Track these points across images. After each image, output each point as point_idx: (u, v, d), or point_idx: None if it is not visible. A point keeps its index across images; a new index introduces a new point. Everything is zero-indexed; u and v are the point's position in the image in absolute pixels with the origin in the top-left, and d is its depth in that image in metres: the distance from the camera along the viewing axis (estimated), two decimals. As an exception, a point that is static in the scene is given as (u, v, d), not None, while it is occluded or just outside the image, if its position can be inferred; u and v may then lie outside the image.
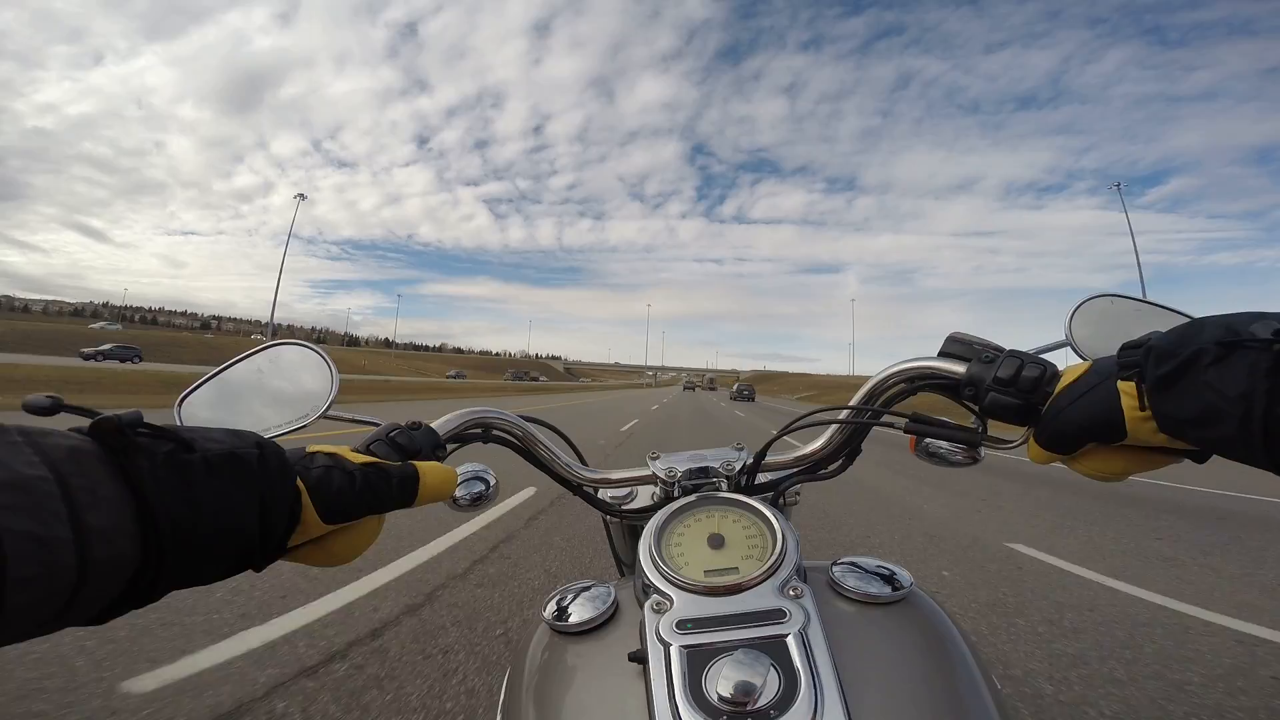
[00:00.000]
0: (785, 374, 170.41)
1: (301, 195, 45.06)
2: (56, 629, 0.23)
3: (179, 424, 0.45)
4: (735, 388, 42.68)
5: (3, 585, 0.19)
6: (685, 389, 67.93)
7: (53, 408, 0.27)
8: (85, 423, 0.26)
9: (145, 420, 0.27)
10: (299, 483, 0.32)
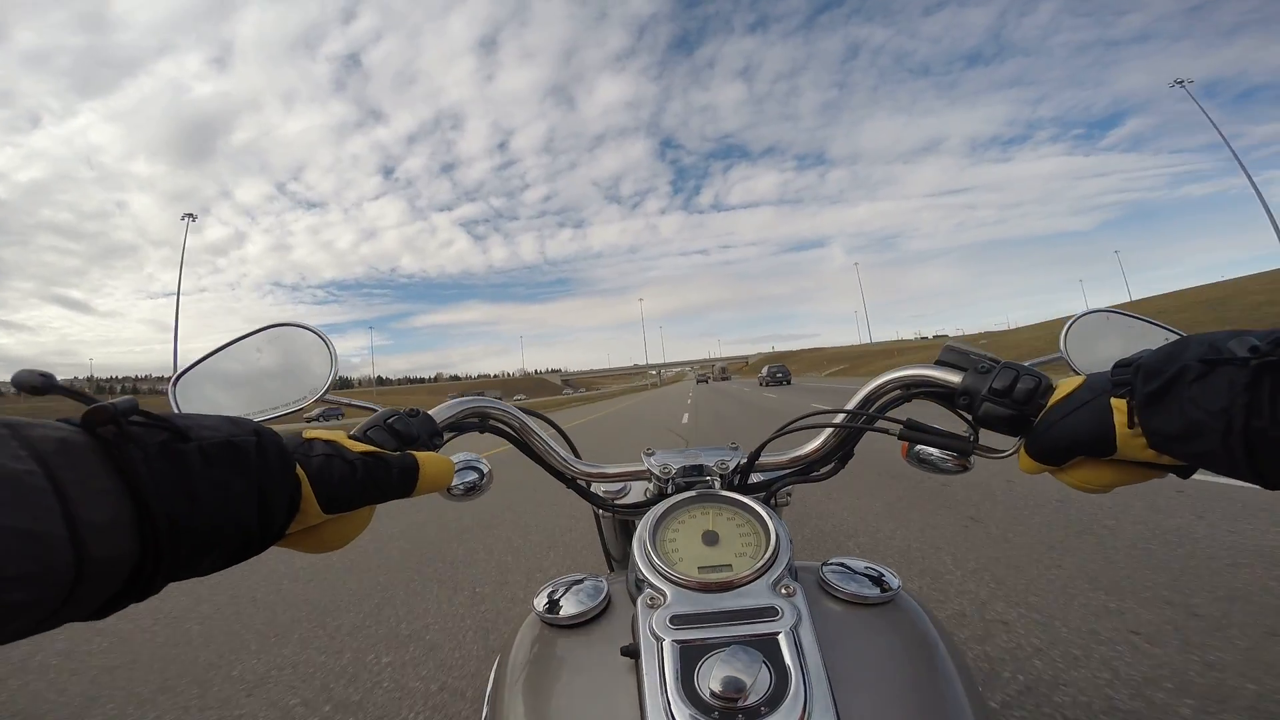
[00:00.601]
0: (797, 352, 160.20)
1: (191, 215, 43.82)
2: (54, 626, 0.23)
3: (174, 406, 0.44)
4: (765, 370, 34.81)
5: None
6: (699, 381, 65.93)
7: (44, 386, 0.26)
8: (76, 408, 0.25)
9: (140, 408, 0.26)
10: (299, 472, 0.32)
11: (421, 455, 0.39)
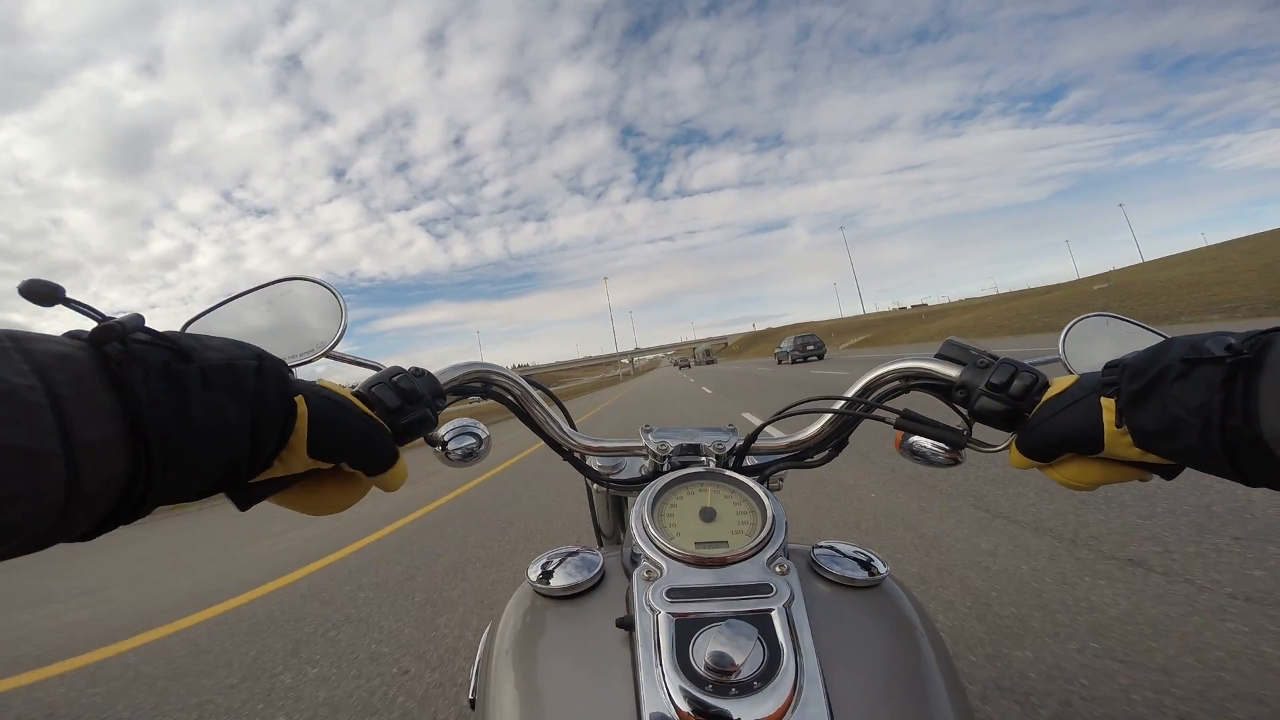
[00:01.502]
0: (780, 329, 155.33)
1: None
2: (45, 546, 0.23)
3: None
4: (792, 343, 26.83)
5: None
6: (679, 367, 65.41)
7: (52, 295, 0.26)
8: (83, 321, 0.25)
9: (145, 325, 0.26)
10: (302, 407, 0.33)
11: (402, 458, 0.41)
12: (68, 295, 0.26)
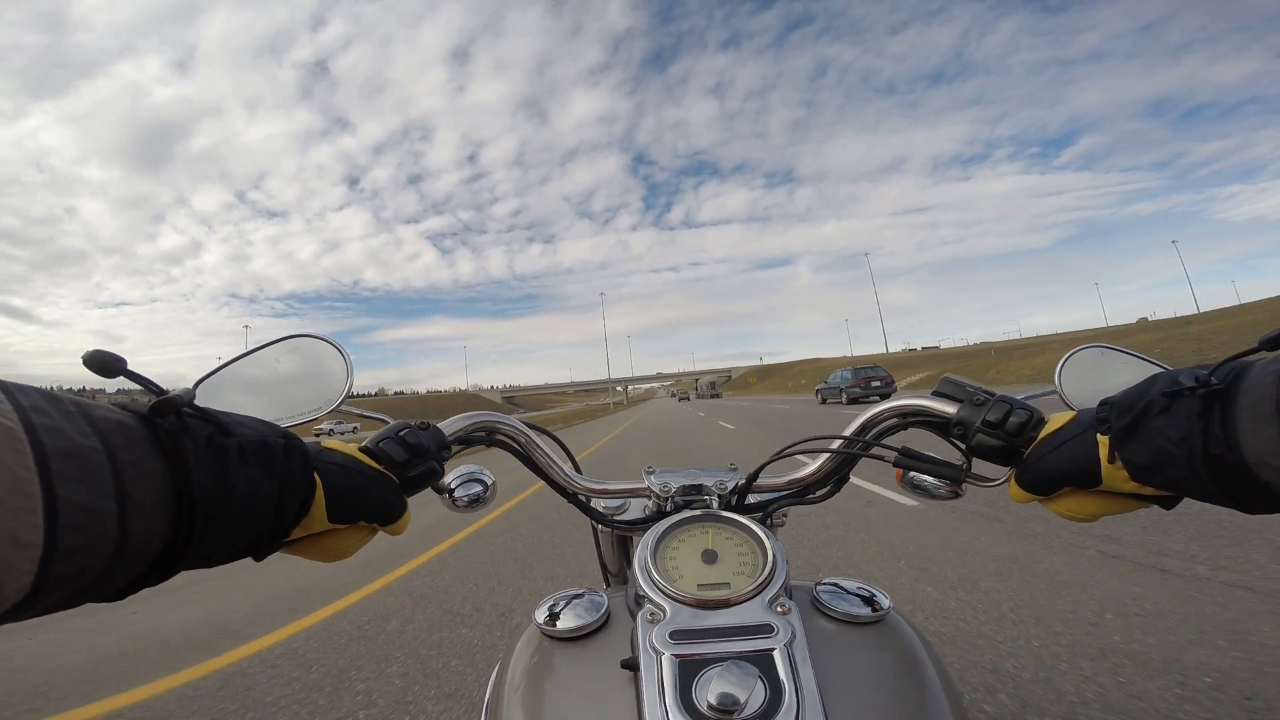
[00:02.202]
0: (793, 364, 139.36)
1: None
2: (80, 603, 0.24)
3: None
4: (847, 376, 21.97)
5: (52, 554, 0.20)
6: (679, 400, 63.30)
7: (114, 368, 0.28)
8: (139, 393, 0.28)
9: (194, 401, 0.28)
10: (316, 478, 0.35)
11: (410, 507, 0.44)
12: (128, 367, 0.28)
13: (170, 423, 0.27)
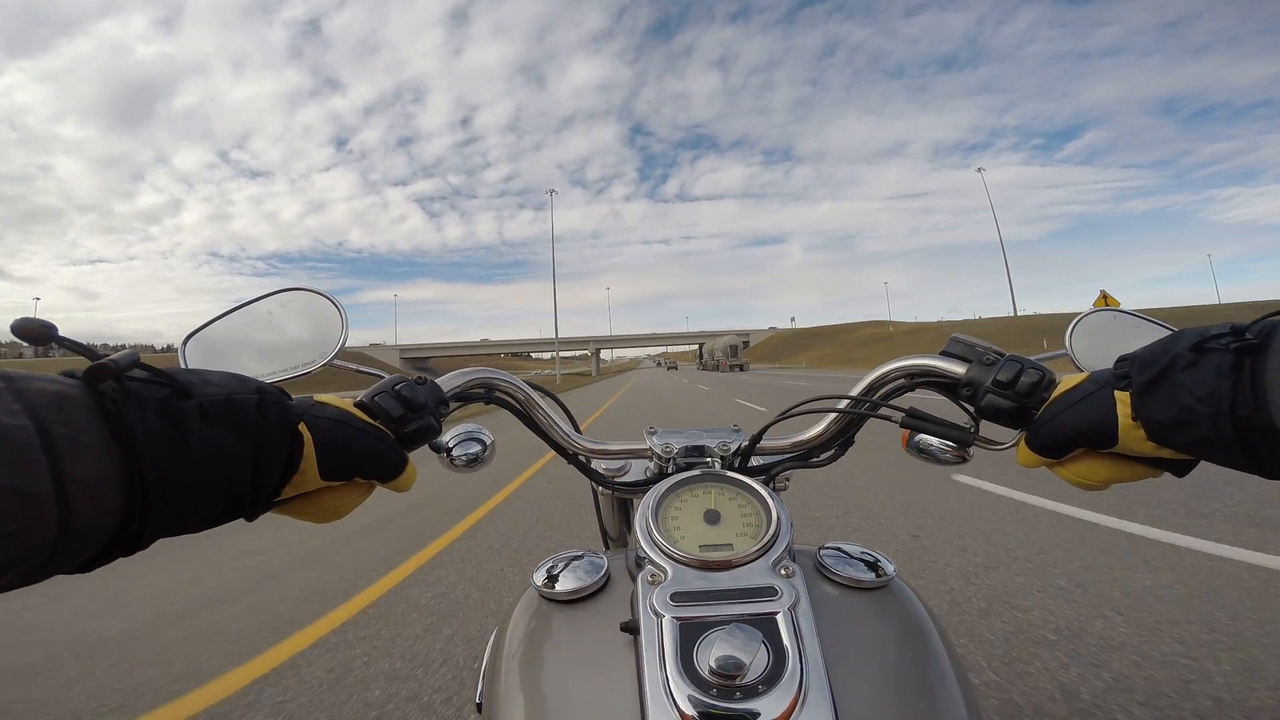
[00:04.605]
0: (842, 328, 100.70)
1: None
2: (42, 578, 0.24)
3: (183, 364, 0.45)
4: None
5: None
6: (668, 369, 59.16)
7: (44, 336, 0.27)
8: (77, 359, 0.27)
9: (142, 362, 0.27)
10: (306, 434, 0.34)
11: (412, 460, 0.42)
12: (58, 332, 0.27)
13: (110, 389, 0.25)
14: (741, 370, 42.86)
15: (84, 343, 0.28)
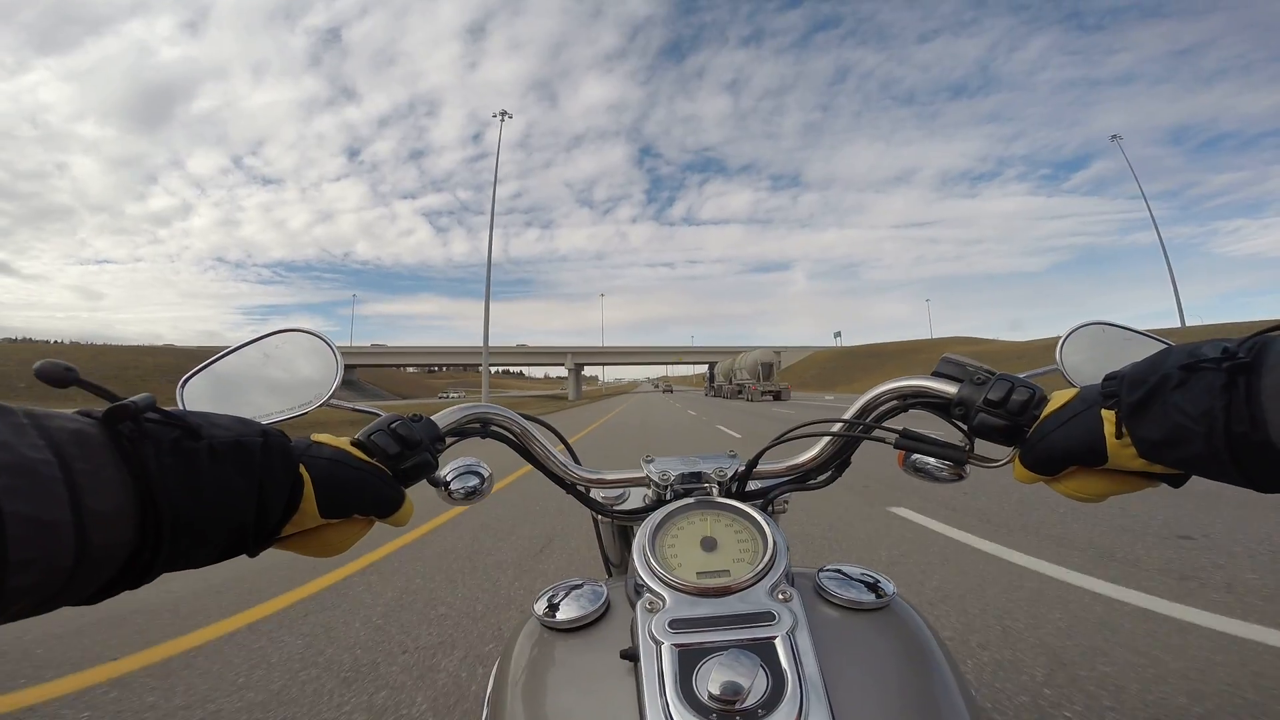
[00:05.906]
0: (908, 344, 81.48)
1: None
2: (51, 609, 0.25)
3: (183, 408, 0.47)
4: None
5: (4, 568, 0.21)
6: (665, 391, 56.03)
7: (65, 379, 0.28)
8: (96, 401, 0.28)
9: (157, 405, 0.29)
10: (304, 474, 0.35)
11: (410, 497, 0.44)
12: (80, 375, 0.29)
13: (128, 429, 0.27)
14: (777, 399, 30.22)
15: (103, 386, 0.29)
